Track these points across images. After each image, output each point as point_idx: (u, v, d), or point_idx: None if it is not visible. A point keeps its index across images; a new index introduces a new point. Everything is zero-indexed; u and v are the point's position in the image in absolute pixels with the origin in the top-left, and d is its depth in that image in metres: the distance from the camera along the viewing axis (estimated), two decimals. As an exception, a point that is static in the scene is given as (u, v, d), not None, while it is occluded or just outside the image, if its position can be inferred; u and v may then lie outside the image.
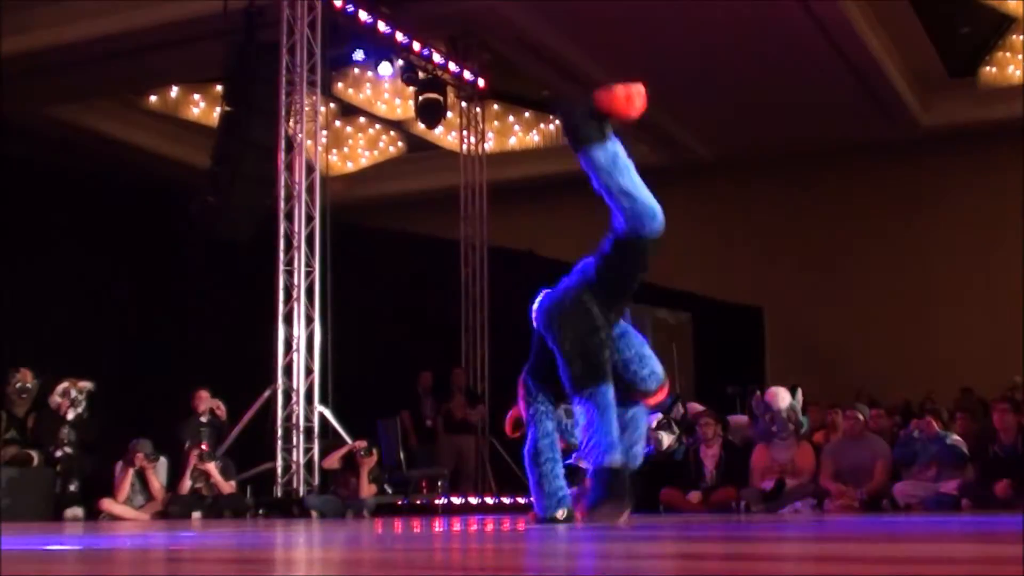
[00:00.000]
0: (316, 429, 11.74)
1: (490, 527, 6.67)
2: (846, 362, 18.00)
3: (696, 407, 11.83)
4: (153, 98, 17.24)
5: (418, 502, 11.80)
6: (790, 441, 10.76)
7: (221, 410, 11.41)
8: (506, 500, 12.65)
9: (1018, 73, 17.09)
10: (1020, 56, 16.91)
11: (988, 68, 17.24)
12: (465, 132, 16.14)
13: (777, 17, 14.60)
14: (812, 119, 17.74)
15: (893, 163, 19.02)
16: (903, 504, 10.10)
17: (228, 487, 10.89)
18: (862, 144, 18.68)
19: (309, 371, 11.81)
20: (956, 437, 10.52)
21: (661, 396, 6.33)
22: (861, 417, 10.88)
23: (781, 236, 19.51)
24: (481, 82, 15.33)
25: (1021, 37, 16.53)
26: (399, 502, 11.66)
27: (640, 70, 15.77)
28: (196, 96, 17.25)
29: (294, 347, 11.76)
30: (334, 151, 18.88)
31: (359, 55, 13.72)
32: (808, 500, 10.35)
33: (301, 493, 11.36)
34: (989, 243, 18.16)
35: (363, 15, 13.24)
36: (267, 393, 11.66)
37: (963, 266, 18.36)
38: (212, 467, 10.82)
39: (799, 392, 10.98)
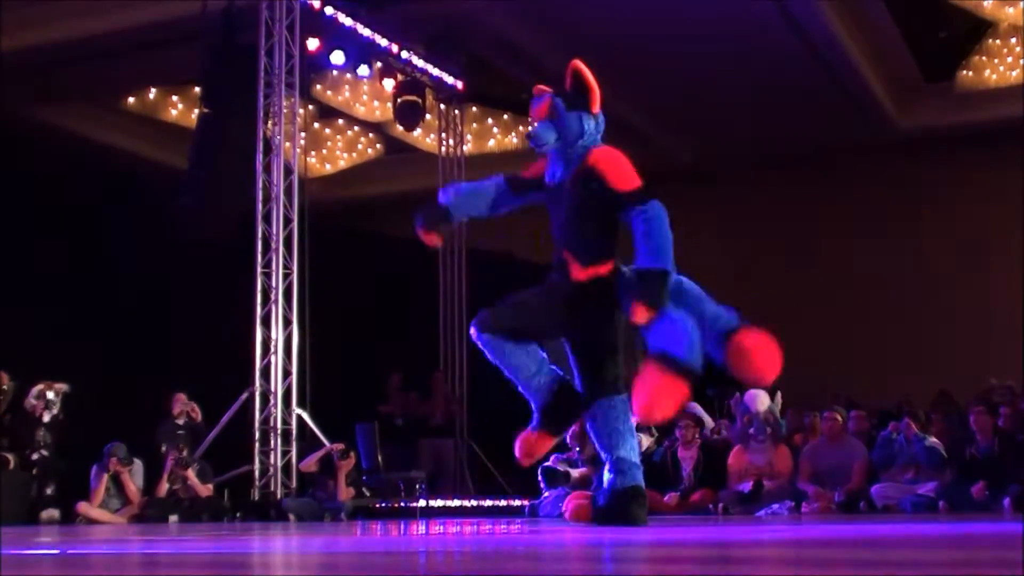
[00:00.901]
0: (294, 432, 11.71)
1: (467, 529, 6.66)
2: (824, 364, 18.01)
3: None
4: (131, 100, 17.16)
5: (396, 505, 11.78)
6: (768, 443, 10.79)
7: (196, 412, 11.39)
8: (485, 503, 12.64)
9: (994, 77, 17.18)
10: (996, 61, 17.01)
11: (965, 72, 17.32)
12: (444, 134, 16.13)
13: (755, 21, 14.63)
14: (790, 122, 17.77)
15: (870, 166, 19.08)
16: (880, 506, 10.13)
17: (205, 490, 10.87)
18: (839, 147, 18.73)
19: (287, 373, 11.79)
20: (934, 439, 10.56)
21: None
22: (839, 419, 10.92)
23: (759, 239, 19.54)
24: (460, 84, 15.32)
25: (998, 41, 16.62)
26: (377, 505, 11.64)
27: (618, 73, 15.88)
28: (174, 98, 17.18)
29: (272, 349, 11.73)
30: (312, 153, 18.83)
31: (337, 57, 13.66)
32: (786, 502, 10.37)
33: (279, 496, 11.34)
34: (965, 246, 18.24)
35: (342, 17, 13.20)
36: (244, 395, 11.63)
37: (940, 268, 18.43)
38: (189, 471, 10.79)
39: (778, 395, 11.02)
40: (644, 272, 5.69)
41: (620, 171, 5.92)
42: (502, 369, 5.97)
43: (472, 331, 5.92)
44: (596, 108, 6.15)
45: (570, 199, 6.02)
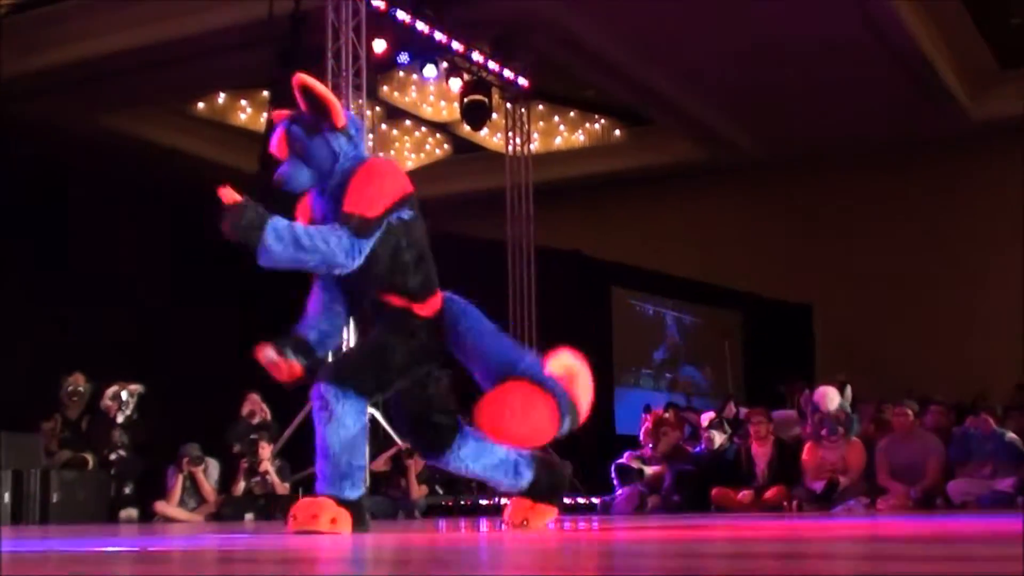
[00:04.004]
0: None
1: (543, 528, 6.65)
2: (896, 359, 17.82)
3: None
4: (201, 105, 17.37)
5: (469, 502, 11.81)
6: (840, 439, 10.67)
7: (266, 412, 11.50)
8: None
9: (1070, 64, 16.87)
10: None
11: (1040, 59, 17.02)
12: (510, 133, 16.15)
13: (826, 12, 14.49)
14: (860, 114, 17.58)
15: (943, 158, 18.81)
16: (958, 502, 9.99)
17: (283, 488, 10.97)
18: (911, 139, 18.49)
19: (359, 372, 11.83)
20: (1012, 435, 10.40)
21: None
22: (910, 414, 10.78)
23: (830, 233, 19.36)
24: (526, 82, 15.33)
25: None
26: (450, 503, 11.68)
27: (686, 67, 15.81)
28: (243, 102, 17.37)
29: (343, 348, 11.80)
30: (380, 154, 18.96)
31: (403, 58, 13.73)
32: (861, 499, 10.26)
33: (352, 495, 11.39)
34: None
35: (408, 18, 13.27)
36: (317, 395, 11.69)
37: (1015, 260, 18.12)
38: (270, 467, 10.87)
39: (848, 389, 10.88)
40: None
41: (362, 192, 5.19)
42: None
43: None
44: (340, 122, 5.26)
45: None
